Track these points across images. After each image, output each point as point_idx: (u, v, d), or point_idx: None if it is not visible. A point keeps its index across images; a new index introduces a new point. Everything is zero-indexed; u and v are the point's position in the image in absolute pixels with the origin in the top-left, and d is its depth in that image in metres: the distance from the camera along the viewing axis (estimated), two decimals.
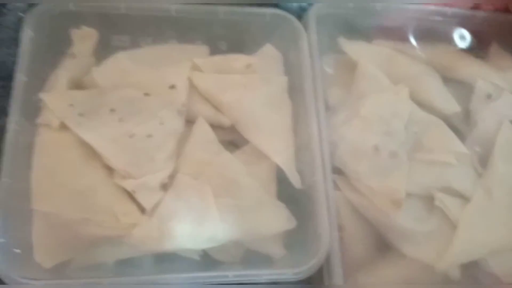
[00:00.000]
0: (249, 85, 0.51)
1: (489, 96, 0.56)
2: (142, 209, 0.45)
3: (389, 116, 0.52)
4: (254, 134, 0.51)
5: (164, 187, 0.46)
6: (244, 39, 0.56)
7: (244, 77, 0.52)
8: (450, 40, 0.60)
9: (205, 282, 0.44)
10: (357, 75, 0.56)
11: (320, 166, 0.49)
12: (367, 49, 0.58)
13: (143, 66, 0.51)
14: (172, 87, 0.50)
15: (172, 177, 0.47)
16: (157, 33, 0.55)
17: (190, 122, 0.50)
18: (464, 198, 0.50)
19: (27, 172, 0.45)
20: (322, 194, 0.48)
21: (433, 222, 0.49)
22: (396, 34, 0.59)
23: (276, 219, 0.48)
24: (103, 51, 0.53)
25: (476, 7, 0.59)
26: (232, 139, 0.53)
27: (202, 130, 0.50)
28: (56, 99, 0.48)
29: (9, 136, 0.45)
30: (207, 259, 0.48)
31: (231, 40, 0.57)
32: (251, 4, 0.56)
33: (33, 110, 0.48)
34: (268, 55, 0.56)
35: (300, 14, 0.57)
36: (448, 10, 0.58)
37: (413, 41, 0.59)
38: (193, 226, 0.45)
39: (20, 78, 0.48)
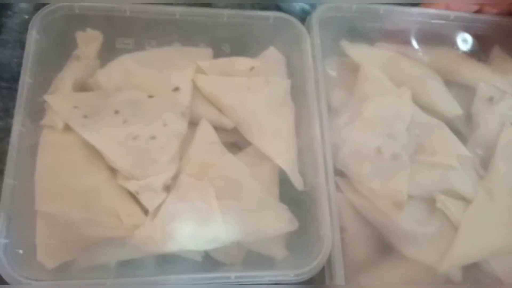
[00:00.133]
0: (252, 87, 0.52)
1: (491, 99, 0.56)
2: (145, 211, 0.46)
3: (392, 118, 0.52)
4: (257, 136, 0.51)
5: (167, 188, 0.46)
6: (248, 42, 0.57)
7: (248, 80, 0.52)
8: (452, 43, 0.60)
9: (207, 283, 0.44)
10: (359, 77, 0.56)
11: (322, 168, 0.49)
12: (370, 52, 0.58)
13: (147, 68, 0.51)
14: (176, 89, 0.50)
15: (175, 178, 0.47)
16: (162, 35, 0.56)
17: (193, 124, 0.50)
18: (466, 200, 0.50)
19: (31, 173, 0.46)
20: (324, 196, 0.48)
21: (435, 224, 0.49)
22: (398, 37, 0.59)
23: (278, 221, 0.48)
24: (107, 53, 0.53)
25: (478, 10, 0.59)
26: (235, 141, 0.53)
27: (205, 132, 0.50)
28: (61, 101, 0.48)
29: (14, 137, 0.46)
30: (209, 261, 0.48)
31: (235, 43, 0.57)
32: (254, 7, 0.56)
33: (37, 111, 0.48)
34: (271, 58, 0.56)
35: (303, 17, 0.57)
36: (451, 13, 0.58)
37: (415, 44, 0.59)
38: (196, 227, 0.45)
39: (25, 80, 0.48)
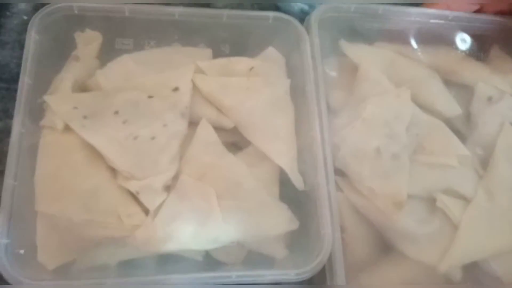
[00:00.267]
0: (251, 87, 0.52)
1: (490, 99, 0.56)
2: (145, 211, 0.46)
3: (391, 118, 0.52)
4: (257, 136, 0.51)
5: (168, 188, 0.47)
6: (247, 42, 0.57)
7: (247, 80, 0.52)
8: (451, 43, 0.60)
9: (208, 282, 0.44)
10: (358, 77, 0.56)
11: (322, 168, 0.49)
12: (369, 52, 0.58)
13: (147, 68, 0.51)
14: (176, 89, 0.50)
15: (175, 178, 0.47)
16: (161, 36, 0.56)
17: (193, 124, 0.50)
18: (465, 200, 0.50)
19: (31, 174, 0.46)
20: (325, 196, 0.48)
21: (435, 223, 0.49)
22: (397, 37, 0.59)
23: (278, 220, 0.48)
24: (107, 54, 0.53)
25: (478, 10, 0.59)
26: (235, 141, 0.53)
27: (205, 132, 0.50)
28: (61, 102, 0.48)
29: (14, 137, 0.46)
30: (209, 260, 0.48)
31: (234, 43, 0.57)
32: (253, 8, 0.56)
33: (37, 112, 0.48)
34: (270, 58, 0.56)
35: (302, 17, 0.57)
36: (450, 13, 0.58)
37: (414, 44, 0.59)
38: (196, 227, 0.45)
39: (24, 80, 0.48)
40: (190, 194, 0.46)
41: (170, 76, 0.51)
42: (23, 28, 0.51)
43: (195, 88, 0.51)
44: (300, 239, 0.49)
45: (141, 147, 0.46)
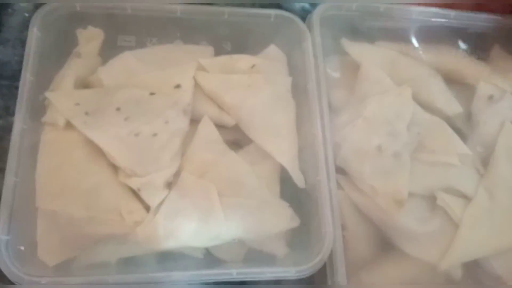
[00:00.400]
0: (253, 85, 0.52)
1: (490, 98, 0.56)
2: (147, 207, 0.46)
3: (392, 117, 0.52)
4: (258, 134, 0.51)
5: (169, 185, 0.47)
6: (249, 39, 0.57)
7: (249, 78, 0.52)
8: (452, 42, 0.60)
9: (209, 279, 0.44)
10: (360, 76, 0.56)
11: (323, 166, 0.49)
12: (370, 50, 0.58)
13: (149, 66, 0.51)
14: (178, 86, 0.50)
15: (177, 175, 0.47)
16: (163, 33, 0.56)
17: (194, 121, 0.50)
18: (466, 198, 0.51)
19: (32, 171, 0.46)
20: (326, 194, 0.48)
21: (436, 222, 0.50)
22: (399, 36, 0.59)
23: (279, 218, 0.49)
24: (109, 51, 0.53)
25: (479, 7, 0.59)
26: (236, 138, 0.53)
27: (207, 129, 0.50)
28: (62, 98, 0.48)
29: (15, 134, 0.46)
30: (209, 258, 0.48)
31: (236, 41, 0.57)
32: (255, 5, 0.56)
33: (39, 109, 0.48)
34: (272, 56, 0.56)
35: (303, 16, 0.57)
36: (451, 12, 0.58)
37: (415, 42, 0.59)
38: (198, 224, 0.45)
39: (26, 77, 0.48)
40: (191, 191, 0.46)
41: (172, 73, 0.51)
42: (24, 25, 0.51)
43: (196, 85, 0.51)
44: (301, 237, 0.49)
45: (142, 144, 0.46)
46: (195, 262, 0.47)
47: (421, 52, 0.59)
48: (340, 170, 0.52)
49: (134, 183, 0.46)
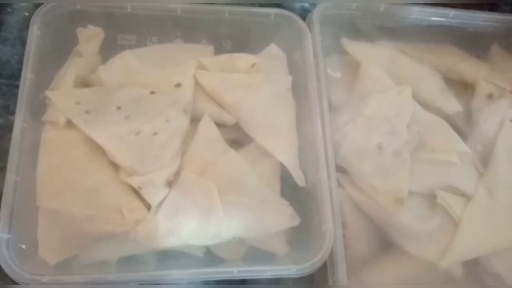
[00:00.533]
0: (253, 84, 0.52)
1: (490, 96, 0.56)
2: (147, 206, 0.46)
3: (392, 115, 0.52)
4: (259, 133, 0.51)
5: (170, 184, 0.47)
6: (249, 38, 0.57)
7: (249, 76, 0.52)
8: (452, 41, 0.60)
9: (210, 278, 0.44)
10: (360, 75, 0.56)
11: (324, 165, 0.49)
12: (370, 49, 0.59)
13: (149, 64, 0.52)
14: (178, 85, 0.50)
15: (177, 174, 0.47)
16: (163, 32, 0.56)
17: (195, 120, 0.50)
18: (466, 196, 0.51)
19: (33, 169, 0.46)
20: (326, 192, 0.48)
21: (436, 220, 0.50)
22: (398, 35, 0.59)
23: (280, 217, 0.49)
24: (109, 49, 0.54)
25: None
26: (236, 137, 0.53)
27: (207, 128, 0.50)
28: (63, 97, 0.48)
29: (15, 133, 0.46)
30: (210, 256, 0.48)
31: (236, 40, 0.58)
32: (255, 4, 0.56)
33: (39, 108, 0.48)
34: (272, 55, 0.56)
35: (304, 14, 0.57)
36: (450, 11, 0.59)
37: (415, 42, 0.60)
38: (198, 223, 0.45)
39: (26, 76, 0.48)
40: (192, 190, 0.46)
41: (172, 72, 0.51)
42: (24, 24, 0.51)
43: (197, 84, 0.51)
44: (301, 235, 0.49)
45: (143, 143, 0.46)
46: (195, 261, 0.48)
47: (420, 51, 0.59)
48: (340, 169, 0.52)
49: (134, 181, 0.46)
